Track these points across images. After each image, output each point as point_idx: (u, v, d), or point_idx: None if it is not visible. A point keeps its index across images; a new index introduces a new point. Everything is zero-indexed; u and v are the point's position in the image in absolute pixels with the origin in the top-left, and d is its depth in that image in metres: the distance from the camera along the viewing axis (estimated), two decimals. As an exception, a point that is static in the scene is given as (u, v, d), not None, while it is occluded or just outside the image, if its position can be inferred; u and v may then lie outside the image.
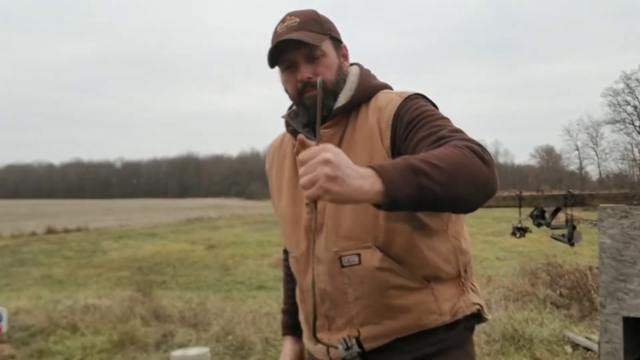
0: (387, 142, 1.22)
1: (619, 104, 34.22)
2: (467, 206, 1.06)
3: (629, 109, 34.00)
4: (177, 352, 4.11)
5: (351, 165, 0.93)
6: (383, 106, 1.26)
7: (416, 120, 1.18)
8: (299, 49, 1.25)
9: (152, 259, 12.28)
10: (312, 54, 1.26)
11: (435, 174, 0.96)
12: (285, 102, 1.43)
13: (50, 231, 19.81)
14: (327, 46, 1.29)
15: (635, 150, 34.34)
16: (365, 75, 1.36)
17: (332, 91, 1.29)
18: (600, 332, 1.35)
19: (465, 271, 1.36)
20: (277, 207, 1.46)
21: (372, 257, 1.24)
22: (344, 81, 1.32)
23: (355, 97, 1.30)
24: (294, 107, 1.39)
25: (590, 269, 5.86)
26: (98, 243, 15.95)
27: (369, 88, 1.32)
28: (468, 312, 1.31)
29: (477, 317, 1.37)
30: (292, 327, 1.55)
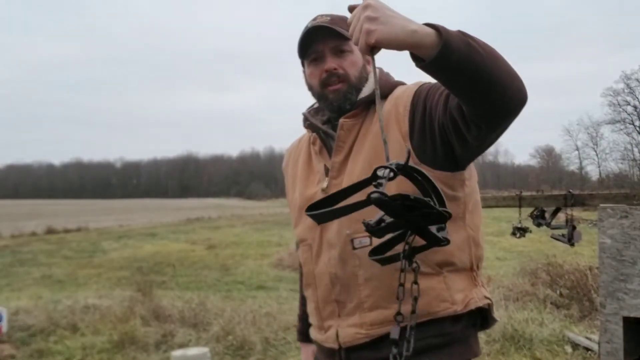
0: (405, 127, 1.23)
1: (619, 104, 34.02)
2: (505, 95, 1.00)
3: (629, 108, 33.78)
4: (177, 352, 4.11)
5: (395, 10, 0.95)
6: (400, 94, 1.30)
7: (435, 87, 1.20)
8: (328, 41, 1.30)
9: (152, 259, 12.26)
10: (340, 48, 1.31)
11: (479, 42, 0.98)
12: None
13: (50, 231, 19.77)
14: (354, 46, 1.30)
15: (635, 150, 34.14)
16: (385, 75, 1.41)
17: (356, 86, 1.34)
18: (600, 332, 1.35)
19: (478, 266, 1.35)
20: (290, 200, 1.50)
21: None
22: (366, 80, 1.37)
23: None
24: (315, 105, 1.44)
25: (590, 269, 5.86)
26: (98, 243, 15.92)
27: (388, 84, 1.37)
28: (480, 304, 1.31)
29: (486, 316, 1.37)
30: (307, 334, 1.53)
